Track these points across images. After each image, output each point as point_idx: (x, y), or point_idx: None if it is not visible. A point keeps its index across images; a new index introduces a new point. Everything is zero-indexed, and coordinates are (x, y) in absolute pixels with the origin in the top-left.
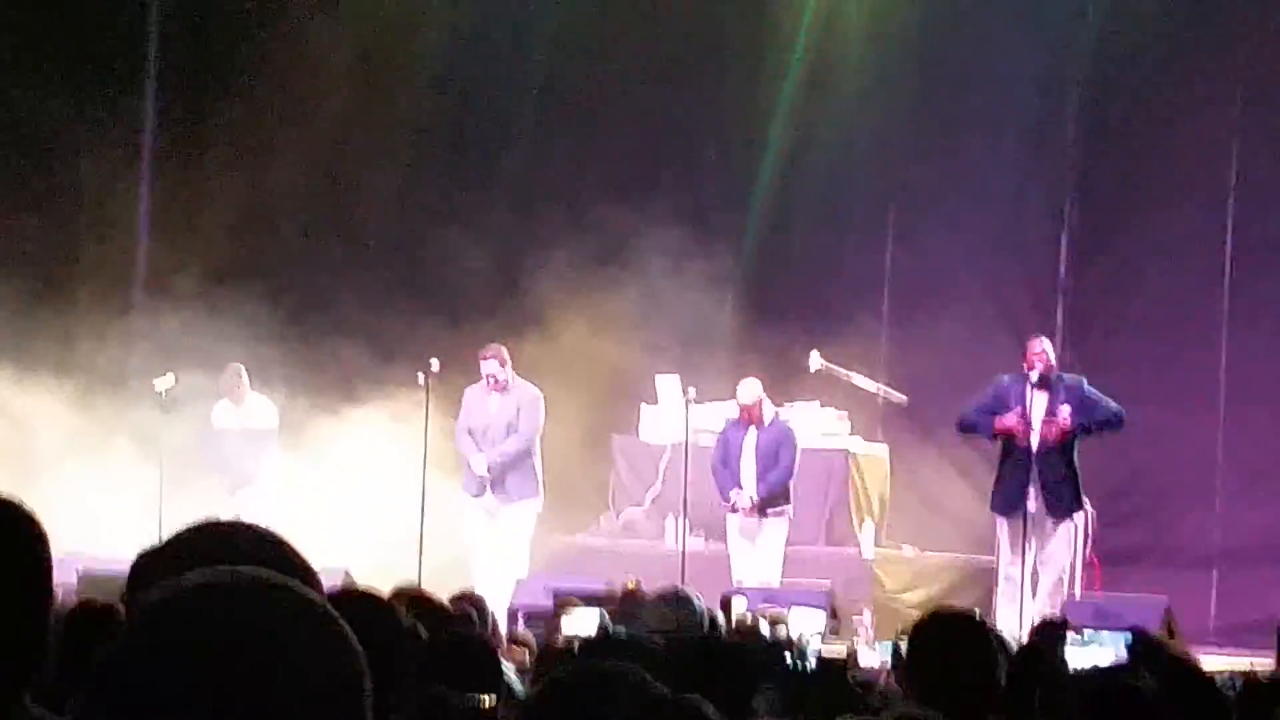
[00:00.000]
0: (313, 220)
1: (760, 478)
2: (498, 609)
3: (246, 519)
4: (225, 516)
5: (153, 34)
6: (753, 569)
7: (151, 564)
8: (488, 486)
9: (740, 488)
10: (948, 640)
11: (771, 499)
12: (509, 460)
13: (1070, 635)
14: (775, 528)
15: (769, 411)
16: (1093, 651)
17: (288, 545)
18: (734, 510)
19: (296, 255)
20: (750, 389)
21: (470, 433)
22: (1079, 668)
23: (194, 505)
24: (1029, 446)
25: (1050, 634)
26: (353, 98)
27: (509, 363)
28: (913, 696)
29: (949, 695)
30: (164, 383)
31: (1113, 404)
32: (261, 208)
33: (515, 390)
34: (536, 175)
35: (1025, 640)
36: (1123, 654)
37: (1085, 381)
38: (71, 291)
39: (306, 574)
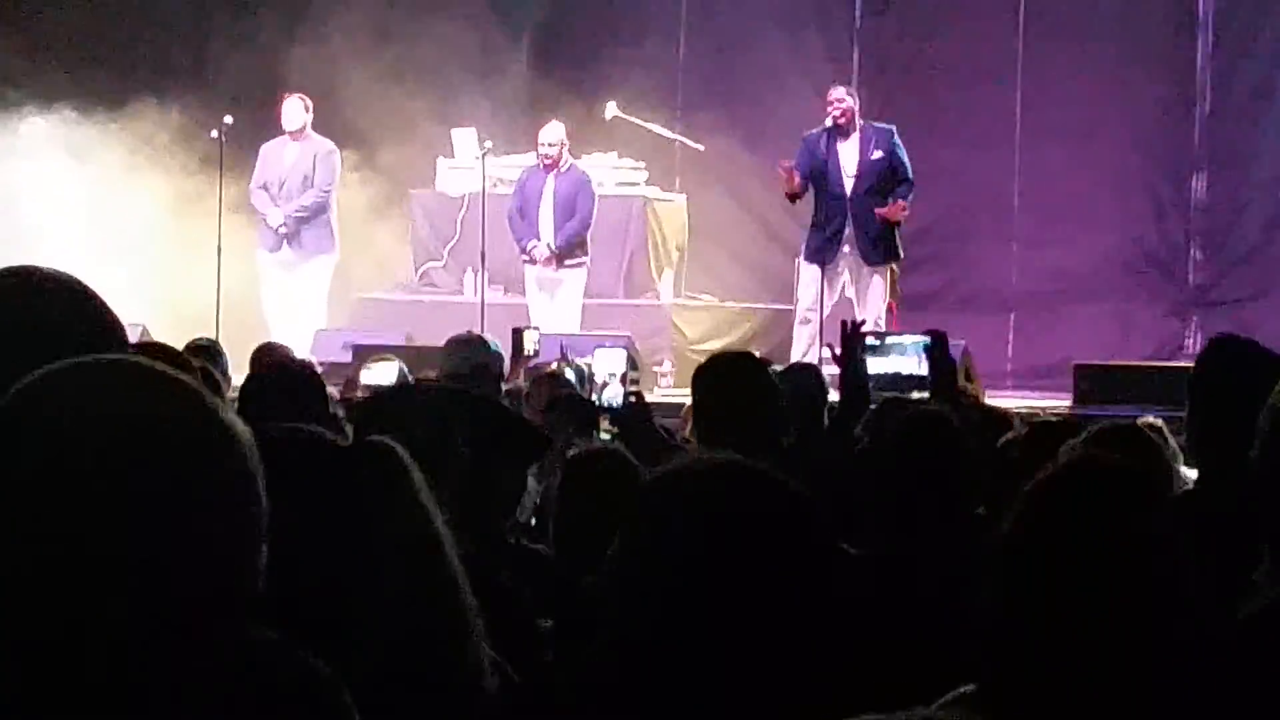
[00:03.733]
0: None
1: (558, 228)
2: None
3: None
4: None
5: None
6: (552, 319)
7: None
8: (284, 241)
9: (538, 239)
10: (725, 380)
11: (569, 249)
12: (305, 214)
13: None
14: (573, 279)
15: (566, 160)
16: (894, 360)
17: (95, 296)
18: (532, 261)
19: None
20: (554, 130)
21: (265, 188)
22: (880, 372)
23: None
24: (842, 193)
25: (848, 338)
26: None
27: (311, 110)
28: (699, 439)
29: (729, 431)
30: None
31: (908, 174)
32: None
33: (311, 142)
34: None
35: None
36: (922, 361)
37: (896, 131)
38: None
39: (112, 325)
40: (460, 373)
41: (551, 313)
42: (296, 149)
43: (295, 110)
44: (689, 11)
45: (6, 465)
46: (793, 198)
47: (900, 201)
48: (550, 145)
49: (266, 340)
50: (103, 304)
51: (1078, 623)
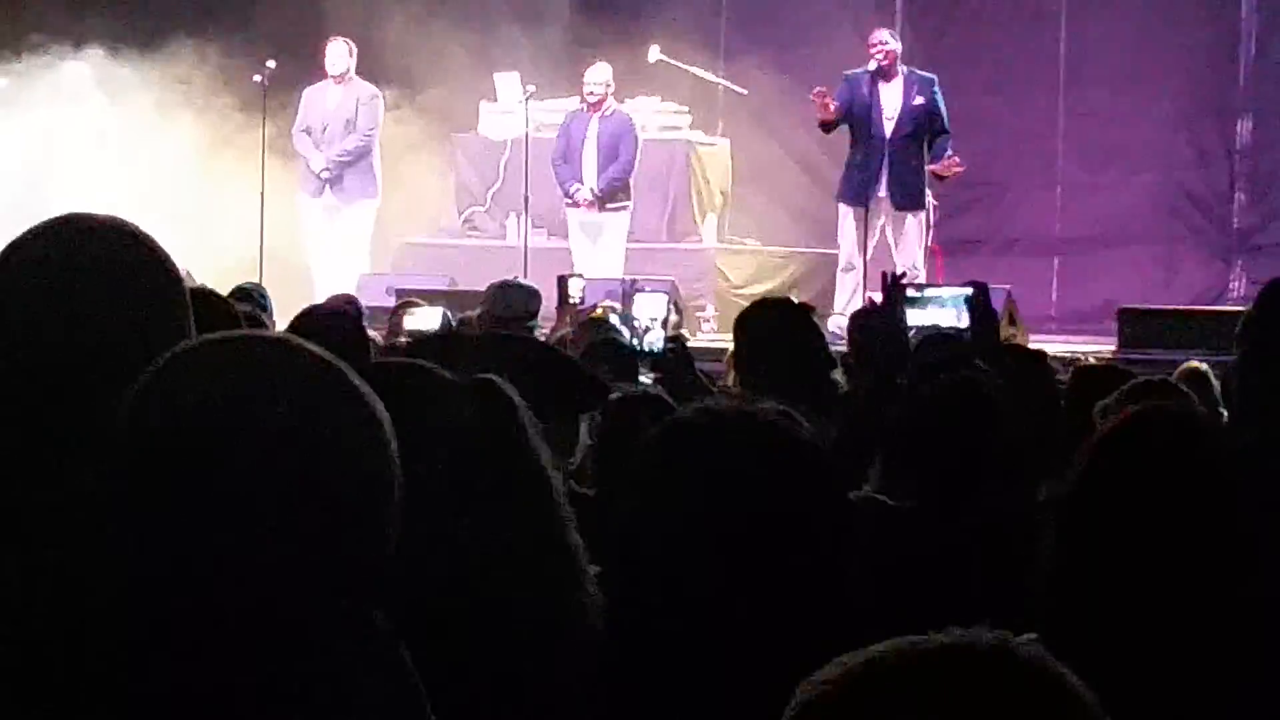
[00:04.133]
0: None
1: (601, 170)
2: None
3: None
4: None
5: None
6: (595, 264)
7: (20, 251)
8: (326, 186)
9: (580, 182)
10: (767, 325)
11: (611, 193)
12: (348, 158)
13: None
14: (616, 222)
15: (610, 104)
16: (933, 312)
17: (148, 240)
18: (575, 204)
19: None
20: (600, 71)
21: (308, 132)
22: (919, 325)
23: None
24: (881, 135)
25: (889, 289)
26: None
27: (354, 54)
28: (740, 385)
29: (771, 377)
30: None
31: (945, 125)
32: None
33: (354, 86)
34: None
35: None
36: (963, 313)
37: (937, 81)
38: None
39: (169, 270)
40: (503, 317)
41: (594, 256)
42: (339, 93)
43: (339, 53)
44: None
45: (161, 455)
46: (826, 126)
47: (954, 157)
48: (596, 86)
49: (309, 287)
50: (158, 248)
51: (1150, 573)
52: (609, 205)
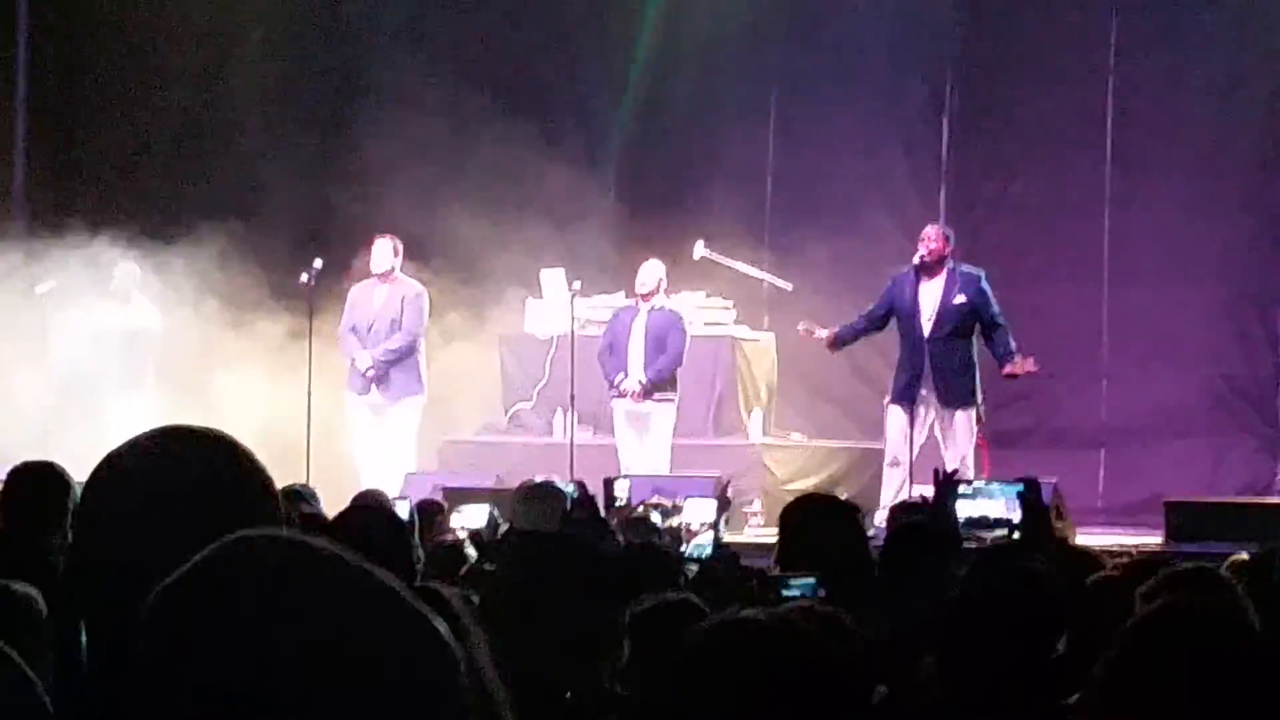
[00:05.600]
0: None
1: (649, 363)
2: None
3: (133, 423)
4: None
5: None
6: (640, 458)
7: (115, 467)
8: (371, 384)
9: (626, 373)
10: (810, 521)
11: (659, 384)
12: (393, 357)
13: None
14: (663, 414)
15: (660, 298)
16: (982, 504)
17: (249, 454)
18: (620, 395)
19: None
20: (653, 270)
21: (354, 330)
22: (969, 515)
23: (80, 409)
24: (921, 335)
25: (941, 485)
26: (214, 51)
27: (400, 253)
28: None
29: (814, 570)
30: (45, 287)
31: (997, 318)
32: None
33: (399, 285)
34: (409, 77)
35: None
36: (1014, 505)
37: (984, 276)
38: None
39: (264, 480)
40: (537, 529)
41: (640, 452)
42: (385, 291)
43: (384, 252)
44: (775, 151)
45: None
46: (833, 348)
47: (1028, 358)
48: (649, 279)
49: (354, 485)
50: (256, 461)
51: None
52: (655, 396)
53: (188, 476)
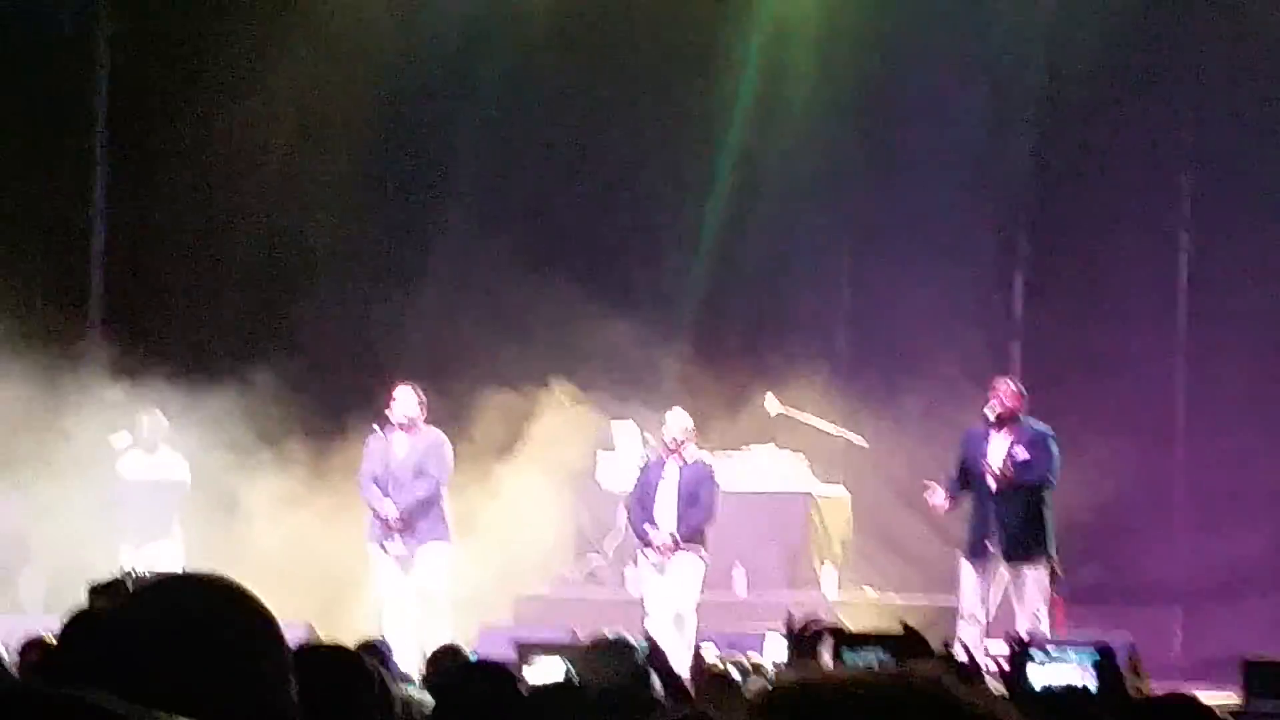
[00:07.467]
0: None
1: (680, 517)
2: (411, 652)
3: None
4: (137, 571)
5: (101, 91)
6: (665, 598)
7: (126, 611)
8: (395, 533)
9: (655, 525)
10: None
11: (690, 536)
12: (419, 504)
13: (1035, 653)
14: (689, 560)
15: (690, 450)
16: (1056, 669)
17: (252, 597)
18: (649, 545)
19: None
20: (679, 420)
21: (376, 480)
22: (1045, 684)
23: (102, 559)
24: (988, 489)
25: (1013, 652)
26: (297, 148)
27: (425, 404)
28: None
29: None
30: (122, 441)
31: (1045, 467)
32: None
33: (421, 433)
34: (483, 224)
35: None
36: (1089, 671)
37: (1051, 435)
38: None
39: (269, 624)
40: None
41: (664, 590)
42: (407, 441)
43: (410, 401)
44: (848, 301)
45: None
46: (953, 508)
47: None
48: (677, 431)
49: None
50: (263, 608)
51: None
52: (683, 546)
53: (191, 625)
